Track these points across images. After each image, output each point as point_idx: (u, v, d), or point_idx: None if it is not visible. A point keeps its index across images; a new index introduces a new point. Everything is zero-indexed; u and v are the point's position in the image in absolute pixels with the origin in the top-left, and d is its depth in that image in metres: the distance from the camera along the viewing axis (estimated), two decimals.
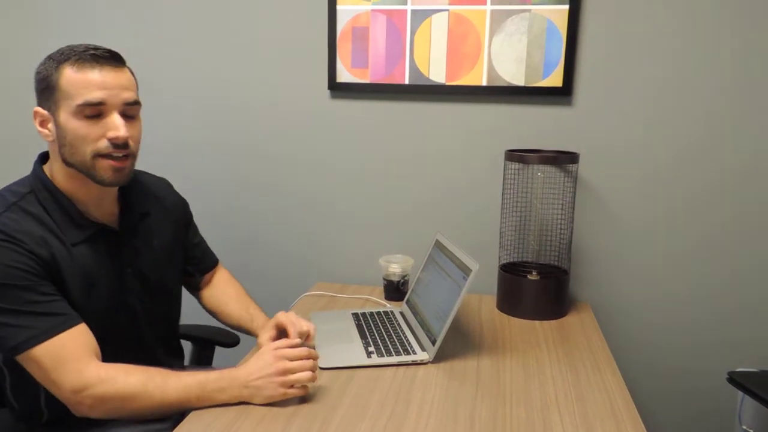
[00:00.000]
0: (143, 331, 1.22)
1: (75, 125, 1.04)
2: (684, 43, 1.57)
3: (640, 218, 1.66)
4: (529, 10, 1.61)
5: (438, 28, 1.67)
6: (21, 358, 1.02)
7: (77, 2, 1.86)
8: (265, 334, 1.25)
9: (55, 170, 1.11)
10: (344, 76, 1.74)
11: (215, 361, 1.53)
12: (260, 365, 1.07)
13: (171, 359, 1.29)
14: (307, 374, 1.07)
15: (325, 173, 1.81)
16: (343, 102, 1.77)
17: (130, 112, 1.08)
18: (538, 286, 1.55)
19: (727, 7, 1.53)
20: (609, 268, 1.70)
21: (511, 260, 1.70)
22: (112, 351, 1.08)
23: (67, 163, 1.07)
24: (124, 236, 1.17)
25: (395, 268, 1.64)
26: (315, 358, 1.11)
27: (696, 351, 1.69)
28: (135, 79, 1.13)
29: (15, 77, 1.94)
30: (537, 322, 1.53)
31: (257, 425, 1.01)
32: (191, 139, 1.86)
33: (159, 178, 1.36)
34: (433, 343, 1.28)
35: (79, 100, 1.02)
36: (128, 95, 1.07)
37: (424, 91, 1.71)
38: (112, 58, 1.07)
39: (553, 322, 1.54)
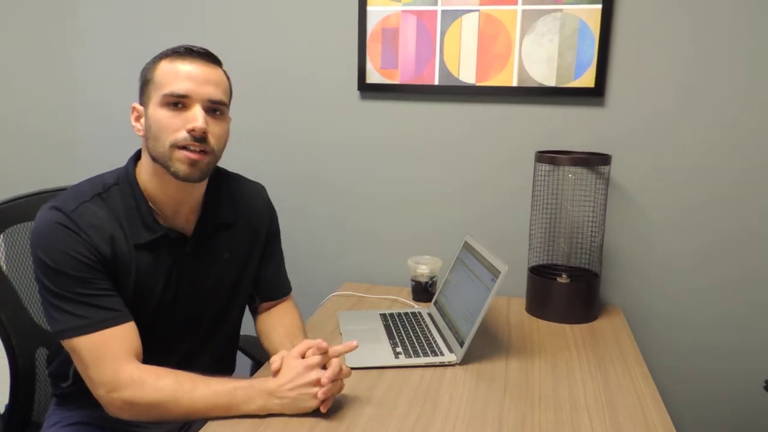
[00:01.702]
0: (188, 341, 1.21)
1: (160, 115, 1.05)
2: (717, 43, 1.53)
3: (672, 220, 1.63)
4: (560, 10, 1.60)
5: (468, 28, 1.66)
6: (65, 344, 1.05)
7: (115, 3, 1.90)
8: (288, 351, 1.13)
9: (142, 167, 1.13)
10: (374, 77, 1.75)
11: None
12: (291, 376, 1.04)
13: (215, 371, 1.20)
14: (339, 384, 1.06)
15: (354, 174, 1.82)
16: (373, 103, 1.77)
17: (215, 108, 1.08)
18: (568, 289, 1.53)
19: (762, 8, 1.49)
20: (641, 271, 1.67)
21: (541, 262, 1.68)
22: (151, 355, 1.09)
23: (151, 156, 1.09)
24: (192, 245, 1.16)
25: (423, 269, 1.64)
26: (347, 374, 1.08)
27: (730, 355, 1.65)
28: (229, 82, 1.14)
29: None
30: (567, 326, 1.51)
31: (285, 425, 1.02)
32: None
33: (254, 183, 1.32)
34: (461, 344, 1.27)
35: (166, 90, 1.04)
36: (213, 91, 1.07)
37: (453, 92, 1.71)
38: (207, 56, 1.09)
39: (583, 325, 1.52)
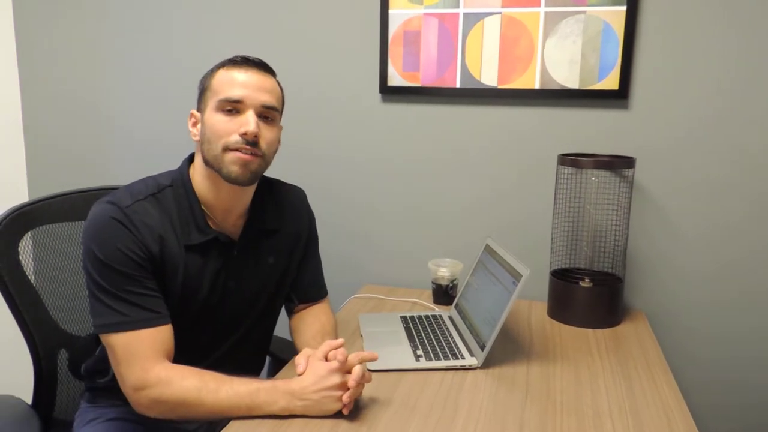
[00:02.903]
0: (230, 341, 1.24)
1: (214, 120, 1.10)
2: (744, 45, 1.51)
3: (698, 225, 1.61)
4: (584, 12, 1.58)
5: (490, 31, 1.66)
6: (102, 338, 1.08)
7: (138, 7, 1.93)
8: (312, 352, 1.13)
9: (196, 171, 1.17)
10: (396, 79, 1.75)
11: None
12: (315, 379, 1.04)
13: (248, 369, 1.27)
14: (360, 388, 1.06)
15: (375, 176, 1.82)
16: (395, 105, 1.78)
17: (267, 115, 1.12)
18: (590, 294, 1.52)
19: None
20: (665, 276, 1.65)
21: (563, 266, 1.66)
22: (194, 353, 1.12)
23: (205, 161, 1.13)
24: (239, 250, 1.19)
25: (444, 271, 1.63)
26: (368, 379, 1.08)
27: (757, 364, 1.62)
28: (281, 91, 1.18)
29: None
30: (590, 331, 1.50)
31: (305, 425, 1.02)
32: None
33: (295, 188, 1.36)
34: (482, 348, 1.27)
35: (222, 96, 1.09)
36: (267, 98, 1.11)
37: (475, 95, 1.70)
38: (262, 65, 1.14)
39: (606, 330, 1.50)
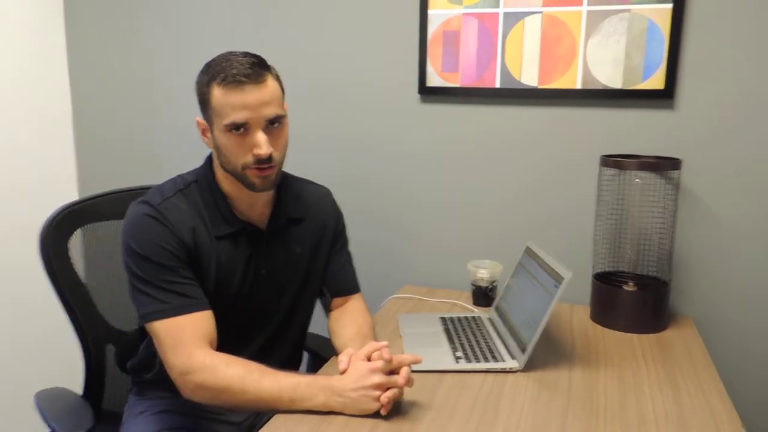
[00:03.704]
0: (265, 332, 1.27)
1: (226, 141, 1.12)
2: None
3: (748, 228, 1.55)
4: (628, 10, 1.55)
5: (531, 30, 1.64)
6: (147, 327, 1.13)
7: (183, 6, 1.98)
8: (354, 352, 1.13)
9: (218, 168, 1.21)
10: (434, 80, 1.74)
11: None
12: (356, 377, 1.05)
13: (285, 365, 1.26)
14: (401, 390, 1.07)
15: (415, 177, 1.82)
16: (433, 106, 1.77)
17: (274, 122, 1.13)
18: (635, 298, 1.48)
19: None
20: (714, 280, 1.60)
21: (606, 269, 1.63)
22: (230, 345, 1.14)
23: (225, 169, 1.18)
24: (267, 238, 1.23)
25: (484, 273, 1.62)
26: (411, 383, 1.08)
27: None
28: (280, 84, 1.16)
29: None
30: (634, 336, 1.46)
31: (346, 424, 1.02)
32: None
33: (320, 187, 1.39)
34: (523, 351, 1.25)
35: (227, 120, 1.10)
36: (269, 111, 1.11)
37: (515, 95, 1.68)
38: (254, 76, 1.09)
39: (651, 336, 1.47)
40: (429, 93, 1.76)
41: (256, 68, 1.10)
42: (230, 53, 1.14)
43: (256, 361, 1.10)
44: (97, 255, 1.42)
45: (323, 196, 1.37)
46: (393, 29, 1.77)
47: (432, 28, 1.72)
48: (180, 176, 1.23)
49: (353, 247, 1.84)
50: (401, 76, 1.78)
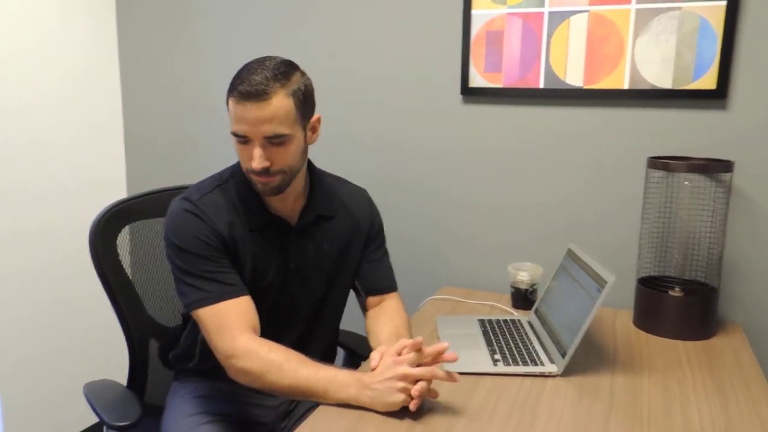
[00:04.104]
0: (297, 327, 1.31)
1: (236, 144, 1.19)
2: None
3: None
4: (679, 8, 1.50)
5: (577, 29, 1.61)
6: (193, 315, 1.20)
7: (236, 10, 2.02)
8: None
9: None
10: (477, 80, 1.73)
11: None
12: (381, 369, 1.08)
13: (318, 358, 1.25)
14: (434, 390, 1.07)
15: (455, 177, 1.81)
16: (476, 107, 1.76)
17: (273, 141, 1.14)
18: (681, 303, 1.44)
19: None
20: (765, 286, 1.54)
21: (651, 274, 1.59)
22: (265, 333, 1.20)
23: None
24: (296, 232, 1.28)
25: (524, 275, 1.60)
26: (455, 379, 1.07)
27: None
28: (297, 100, 1.15)
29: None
30: (679, 342, 1.42)
31: (384, 423, 1.03)
32: (331, 134, 1.94)
33: (356, 187, 1.42)
34: (563, 355, 1.23)
35: (233, 128, 1.16)
36: (267, 129, 1.12)
37: (559, 96, 1.66)
38: (256, 94, 1.11)
39: (698, 343, 1.42)
40: (471, 94, 1.75)
41: (264, 86, 1.11)
42: (256, 62, 1.16)
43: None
44: (143, 252, 1.47)
45: (358, 196, 1.39)
46: (436, 30, 1.77)
47: (475, 29, 1.71)
48: (219, 173, 1.29)
49: (393, 247, 1.84)
50: (443, 77, 1.78)
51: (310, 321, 1.33)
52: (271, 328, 1.24)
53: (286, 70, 1.15)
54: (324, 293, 1.33)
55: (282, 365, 1.10)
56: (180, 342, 1.37)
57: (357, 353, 1.52)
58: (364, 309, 1.39)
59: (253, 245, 1.23)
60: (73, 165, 2.08)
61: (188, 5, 2.08)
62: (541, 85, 1.67)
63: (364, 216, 1.37)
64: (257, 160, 1.15)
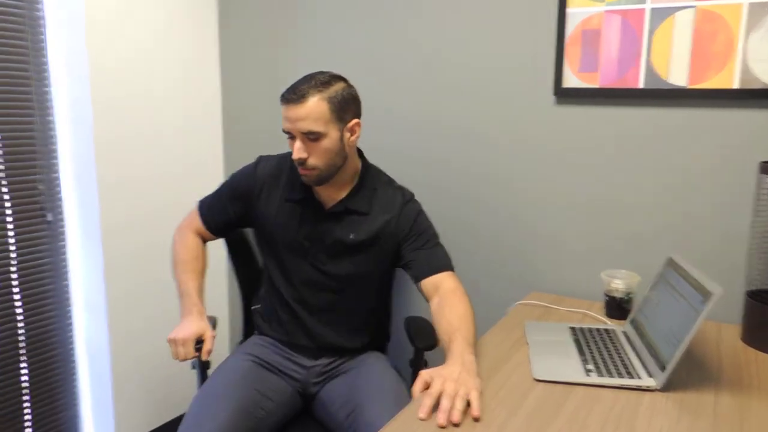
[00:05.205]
0: (325, 292, 1.53)
1: (288, 140, 1.45)
2: None
3: None
4: None
5: (682, 26, 1.53)
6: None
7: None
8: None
9: None
10: (571, 81, 1.68)
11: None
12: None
13: (353, 334, 1.57)
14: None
15: (548, 179, 1.77)
16: (570, 108, 1.71)
17: (310, 137, 1.39)
18: None
19: None
20: None
21: (762, 287, 1.48)
22: (295, 295, 1.55)
23: None
24: (325, 217, 1.51)
25: (619, 284, 1.53)
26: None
27: None
28: (328, 103, 1.38)
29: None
30: None
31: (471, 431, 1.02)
32: (425, 127, 1.95)
33: (399, 191, 1.56)
34: (662, 369, 1.17)
35: (282, 126, 1.43)
36: (303, 126, 1.38)
37: (661, 96, 1.58)
38: (295, 98, 1.37)
39: None
40: (565, 95, 1.70)
41: (302, 92, 1.37)
42: (306, 75, 1.42)
43: (318, 323, 1.54)
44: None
45: (397, 198, 1.54)
46: (528, 29, 1.73)
47: (570, 27, 1.66)
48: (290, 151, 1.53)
49: (482, 247, 1.83)
50: (535, 77, 1.74)
51: (337, 293, 1.53)
52: (304, 286, 1.53)
53: (327, 80, 1.41)
54: (346, 273, 1.52)
55: (178, 257, 1.59)
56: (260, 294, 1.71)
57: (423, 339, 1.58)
58: (426, 299, 1.46)
59: (282, 208, 1.53)
60: (175, 156, 2.19)
61: (291, 5, 2.15)
62: (641, 85, 1.59)
63: (398, 217, 1.52)
64: (296, 151, 1.40)
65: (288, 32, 2.15)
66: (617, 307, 1.55)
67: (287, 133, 1.41)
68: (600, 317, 1.57)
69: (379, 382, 1.46)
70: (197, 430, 1.33)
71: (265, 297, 1.65)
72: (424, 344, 1.54)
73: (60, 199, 1.97)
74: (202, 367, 1.55)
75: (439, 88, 1.89)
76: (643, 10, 1.57)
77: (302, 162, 1.41)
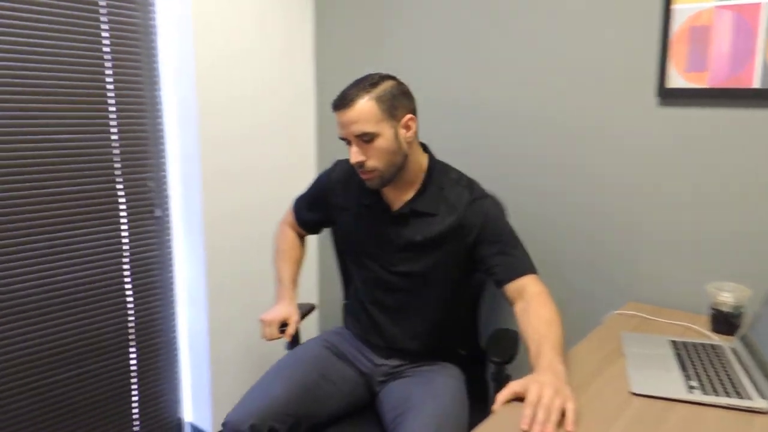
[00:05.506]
0: (394, 293, 1.54)
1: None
2: None
3: None
4: None
5: None
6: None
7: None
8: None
9: None
10: (676, 81, 1.60)
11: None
12: None
13: (417, 337, 1.55)
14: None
15: (651, 186, 1.68)
16: (675, 110, 1.62)
17: (364, 138, 1.39)
18: None
19: None
20: None
21: None
22: (366, 292, 1.59)
23: None
24: (392, 219, 1.51)
25: (727, 297, 1.44)
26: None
27: None
28: (377, 104, 1.38)
29: None
30: None
31: None
32: (525, 123, 1.92)
33: (467, 189, 1.50)
34: None
35: (338, 133, 1.44)
36: (355, 128, 1.38)
37: None
38: (342, 103, 1.39)
39: None
40: (670, 96, 1.61)
41: (350, 97, 1.38)
42: (356, 80, 1.43)
43: (389, 322, 1.55)
44: None
45: (464, 197, 1.49)
46: (629, 27, 1.66)
47: (676, 24, 1.58)
48: None
49: (581, 249, 1.77)
50: (635, 78, 1.66)
51: (406, 293, 1.53)
52: (376, 286, 1.56)
53: (375, 81, 1.40)
54: (415, 272, 1.51)
55: (278, 246, 1.75)
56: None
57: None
58: (510, 303, 1.42)
59: (354, 211, 1.57)
60: (271, 154, 2.28)
61: (386, 6, 2.18)
62: (757, 85, 1.49)
63: (469, 219, 1.47)
64: (353, 155, 1.41)
65: (383, 30, 2.18)
66: (725, 322, 1.45)
67: (344, 139, 1.43)
68: (705, 332, 1.48)
69: (433, 395, 1.43)
70: (252, 396, 1.46)
71: (351, 294, 1.71)
72: (499, 356, 1.46)
73: (167, 196, 2.11)
74: (291, 348, 1.68)
75: (537, 88, 1.85)
76: (759, 4, 1.47)
77: (361, 165, 1.41)
